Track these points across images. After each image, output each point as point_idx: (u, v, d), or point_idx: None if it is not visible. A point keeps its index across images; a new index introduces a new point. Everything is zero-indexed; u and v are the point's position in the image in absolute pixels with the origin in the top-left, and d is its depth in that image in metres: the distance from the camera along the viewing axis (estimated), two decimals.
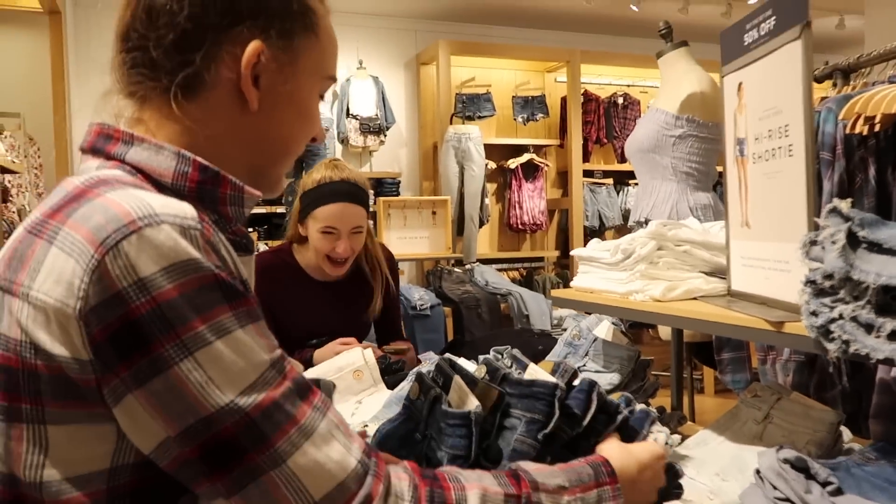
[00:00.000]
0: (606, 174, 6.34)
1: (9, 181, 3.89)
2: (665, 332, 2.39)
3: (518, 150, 6.19)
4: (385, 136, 5.80)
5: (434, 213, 4.79)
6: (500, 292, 4.55)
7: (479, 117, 5.94)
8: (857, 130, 1.62)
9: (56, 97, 3.97)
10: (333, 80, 0.85)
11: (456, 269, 4.81)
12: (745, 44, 1.22)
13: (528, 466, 0.78)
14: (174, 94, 0.73)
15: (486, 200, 6.00)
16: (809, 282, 0.95)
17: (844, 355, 0.90)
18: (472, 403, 0.90)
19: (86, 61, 4.72)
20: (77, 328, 0.60)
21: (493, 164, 5.99)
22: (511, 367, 1.02)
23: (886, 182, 1.67)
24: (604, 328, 1.65)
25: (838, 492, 0.93)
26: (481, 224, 5.79)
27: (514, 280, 5.74)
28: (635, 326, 2.73)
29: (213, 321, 0.61)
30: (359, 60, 5.71)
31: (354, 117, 5.65)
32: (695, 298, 1.34)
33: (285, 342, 1.91)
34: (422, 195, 5.79)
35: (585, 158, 6.17)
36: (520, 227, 6.06)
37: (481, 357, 1.04)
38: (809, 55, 1.03)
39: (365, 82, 5.68)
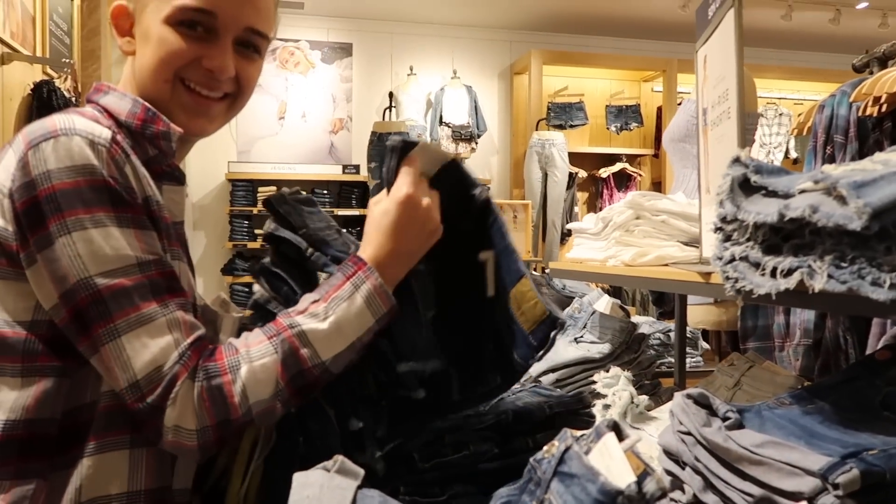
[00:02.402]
0: None
1: None
2: (693, 318, 2.39)
3: (611, 159, 6.18)
4: (476, 143, 5.96)
5: (515, 216, 4.88)
6: (575, 295, 4.57)
7: (571, 126, 6.00)
8: (867, 112, 1.60)
9: None
10: (181, 8, 0.90)
11: (534, 272, 4.87)
12: (709, 17, 1.28)
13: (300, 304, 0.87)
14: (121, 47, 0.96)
15: (577, 209, 6.03)
16: (717, 228, 1.00)
17: (737, 294, 0.95)
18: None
19: None
20: (8, 203, 0.80)
21: (584, 173, 6.02)
22: None
23: None
24: (603, 302, 1.71)
25: (739, 426, 0.98)
26: (570, 232, 5.82)
27: (605, 290, 5.71)
28: (665, 315, 2.72)
29: (93, 213, 0.78)
30: (453, 70, 5.92)
31: (447, 125, 5.85)
32: (666, 265, 1.39)
33: None
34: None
35: None
36: None
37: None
38: (740, 19, 1.09)
39: (458, 91, 5.87)
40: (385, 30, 5.94)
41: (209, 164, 5.64)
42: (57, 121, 0.82)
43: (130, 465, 0.84)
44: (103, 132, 0.83)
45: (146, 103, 0.91)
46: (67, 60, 3.27)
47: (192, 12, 0.90)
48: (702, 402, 1.01)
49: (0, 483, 0.80)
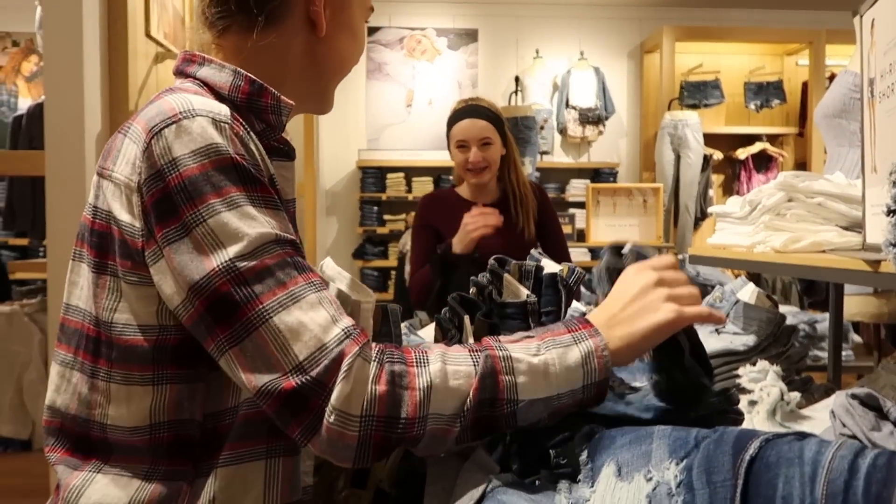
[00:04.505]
0: None
1: None
2: (849, 310, 2.20)
3: (749, 139, 5.84)
4: (604, 126, 5.81)
5: (645, 201, 4.70)
6: (710, 283, 4.35)
7: (706, 105, 5.71)
8: None
9: None
10: (372, 9, 1.00)
11: None
12: None
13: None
14: (259, 24, 0.87)
15: (711, 192, 5.74)
16: (890, 211, 0.91)
17: None
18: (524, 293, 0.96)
19: None
20: (137, 198, 0.76)
21: (720, 155, 5.72)
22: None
23: None
24: (747, 291, 1.61)
25: None
26: (704, 217, 5.55)
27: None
28: (816, 306, 2.52)
29: (226, 196, 0.74)
30: (580, 52, 5.78)
31: (574, 108, 5.73)
32: (823, 251, 1.27)
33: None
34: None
35: None
36: None
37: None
38: None
39: (585, 73, 5.73)
40: (510, 13, 5.88)
41: (341, 152, 5.83)
42: (174, 102, 0.78)
43: (266, 478, 0.80)
44: (222, 108, 0.79)
45: (250, 75, 0.85)
46: None
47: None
48: (870, 404, 0.92)
49: (152, 481, 0.80)
